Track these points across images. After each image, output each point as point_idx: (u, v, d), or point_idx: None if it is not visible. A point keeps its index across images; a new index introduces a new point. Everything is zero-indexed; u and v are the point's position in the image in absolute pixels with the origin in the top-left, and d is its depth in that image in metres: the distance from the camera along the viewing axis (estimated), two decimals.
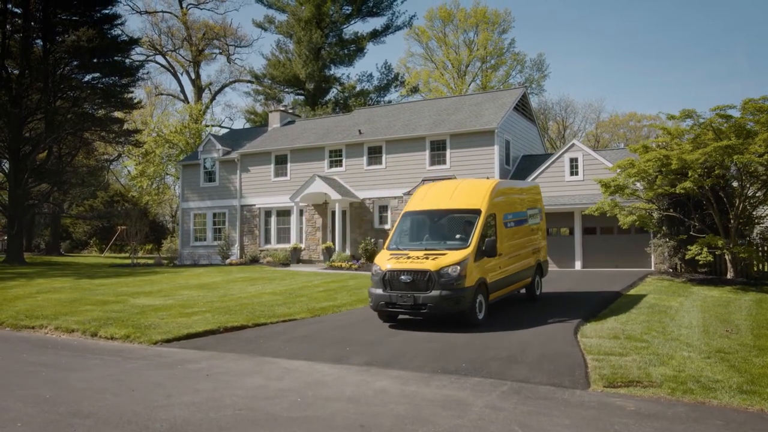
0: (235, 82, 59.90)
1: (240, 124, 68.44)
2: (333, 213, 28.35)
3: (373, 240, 26.58)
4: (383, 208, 27.69)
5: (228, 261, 29.87)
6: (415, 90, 53.52)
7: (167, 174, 48.04)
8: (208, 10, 76.70)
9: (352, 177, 28.40)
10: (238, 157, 31.42)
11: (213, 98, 59.14)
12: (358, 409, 6.76)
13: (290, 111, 38.58)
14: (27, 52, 33.79)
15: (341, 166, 28.80)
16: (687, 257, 18.93)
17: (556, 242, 23.59)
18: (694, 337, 10.25)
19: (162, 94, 60.85)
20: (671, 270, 20.70)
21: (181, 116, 49.70)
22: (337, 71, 53.39)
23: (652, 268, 21.84)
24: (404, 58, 61.31)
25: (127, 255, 40.19)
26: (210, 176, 32.54)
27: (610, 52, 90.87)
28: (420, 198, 13.58)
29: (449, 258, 11.51)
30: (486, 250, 11.91)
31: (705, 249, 17.92)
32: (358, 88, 51.53)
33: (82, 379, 8.37)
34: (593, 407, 6.77)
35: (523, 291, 14.89)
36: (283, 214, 30.14)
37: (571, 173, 24.39)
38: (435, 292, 11.21)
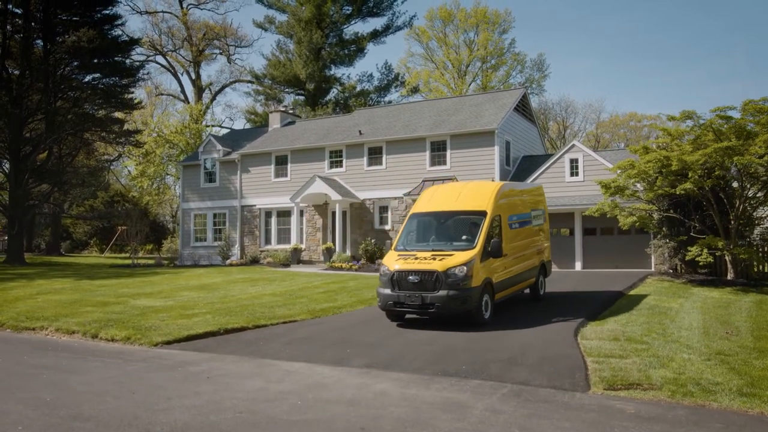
0: (235, 82, 59.98)
1: (240, 124, 68.58)
2: (333, 214, 28.36)
3: (373, 241, 26.59)
4: (383, 209, 27.70)
5: (228, 261, 29.88)
6: (415, 90, 53.53)
7: (167, 174, 48.06)
8: (209, 10, 76.61)
9: (353, 177, 28.41)
10: (239, 157, 31.43)
11: (213, 98, 59.18)
12: (359, 412, 6.77)
13: (290, 111, 38.58)
14: (27, 53, 33.81)
15: (341, 166, 28.81)
16: (687, 258, 18.94)
17: (556, 243, 23.53)
18: (694, 339, 10.26)
19: (162, 94, 60.95)
20: (671, 271, 20.70)
21: (181, 116, 49.75)
22: (338, 71, 53.49)
23: (653, 269, 21.84)
24: (404, 59, 61.39)
25: (128, 255, 40.21)
26: (210, 177, 32.55)
27: (611, 52, 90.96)
28: (426, 200, 13.83)
29: (456, 259, 11.74)
30: (492, 251, 12.17)
31: (705, 250, 17.92)
32: (358, 89, 51.55)
33: (83, 381, 8.38)
34: (593, 410, 6.78)
35: (527, 291, 15.09)
36: (284, 214, 30.15)
37: (572, 174, 24.39)
38: (442, 292, 11.45)
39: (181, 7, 56.33)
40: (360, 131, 29.12)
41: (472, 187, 13.93)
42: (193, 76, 57.58)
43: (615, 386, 7.62)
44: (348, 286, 18.55)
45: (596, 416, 6.56)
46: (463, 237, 12.66)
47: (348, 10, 50.34)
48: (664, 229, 20.31)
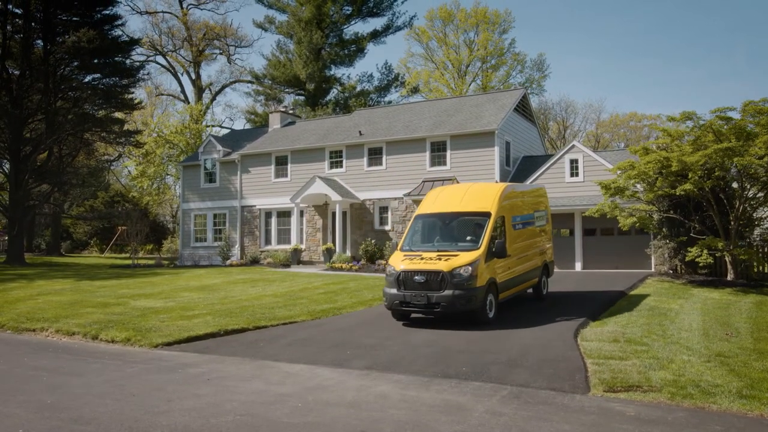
0: (235, 82, 59.97)
1: (240, 124, 68.61)
2: (333, 214, 28.36)
3: (373, 241, 26.59)
4: (383, 209, 27.70)
5: (228, 262, 29.88)
6: (415, 90, 53.53)
7: (168, 174, 48.00)
8: (209, 10, 76.67)
9: (353, 178, 28.41)
10: (239, 158, 31.44)
11: (213, 98, 59.18)
12: (359, 415, 6.78)
13: (290, 112, 38.59)
14: (27, 53, 33.79)
15: (341, 167, 28.82)
16: (687, 259, 18.93)
17: (556, 243, 23.44)
18: (694, 341, 10.27)
19: (162, 94, 60.96)
20: (671, 271, 20.70)
21: (181, 116, 49.70)
22: (338, 72, 53.46)
23: (653, 270, 21.84)
24: (404, 59, 61.32)
25: (128, 255, 40.22)
26: (210, 177, 32.56)
27: (611, 52, 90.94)
28: (431, 201, 14.04)
29: (461, 259, 11.95)
30: (496, 252, 12.38)
31: (705, 251, 17.92)
32: (358, 89, 51.55)
33: (84, 383, 8.39)
34: (593, 412, 6.79)
35: (530, 291, 15.28)
36: (284, 215, 30.16)
37: (572, 174, 24.39)
38: (448, 292, 11.65)
39: (181, 7, 56.35)
40: (360, 132, 29.12)
41: (476, 189, 14.17)
42: (193, 76, 57.62)
43: (615, 388, 7.63)
44: (348, 287, 18.56)
45: (596, 418, 6.57)
46: (468, 238, 12.85)
47: (348, 10, 50.37)
48: (664, 229, 20.32)
